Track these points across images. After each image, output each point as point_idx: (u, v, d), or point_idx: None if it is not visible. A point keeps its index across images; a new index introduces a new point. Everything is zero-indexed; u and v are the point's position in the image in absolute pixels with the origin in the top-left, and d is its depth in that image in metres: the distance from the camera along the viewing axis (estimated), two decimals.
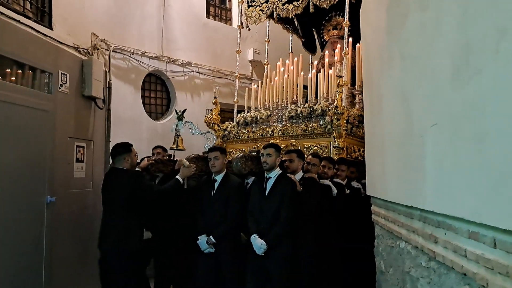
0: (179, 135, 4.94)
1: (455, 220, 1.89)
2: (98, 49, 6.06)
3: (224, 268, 4.03)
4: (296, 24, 7.47)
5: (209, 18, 8.30)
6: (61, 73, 5.07)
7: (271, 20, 6.93)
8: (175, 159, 4.73)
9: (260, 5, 6.63)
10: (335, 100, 4.98)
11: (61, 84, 5.04)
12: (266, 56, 7.22)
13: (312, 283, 3.91)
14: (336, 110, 4.85)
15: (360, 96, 5.72)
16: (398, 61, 2.77)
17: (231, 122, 6.41)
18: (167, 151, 5.27)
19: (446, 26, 1.90)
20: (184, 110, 4.99)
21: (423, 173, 2.27)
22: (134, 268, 4.04)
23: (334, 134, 4.94)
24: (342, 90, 5.04)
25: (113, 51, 6.46)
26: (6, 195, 4.10)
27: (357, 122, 5.41)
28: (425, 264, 2.40)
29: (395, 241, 3.16)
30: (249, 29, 7.05)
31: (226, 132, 6.27)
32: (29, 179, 4.43)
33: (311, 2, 5.93)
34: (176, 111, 5.09)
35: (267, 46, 7.25)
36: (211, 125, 6.19)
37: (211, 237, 4.02)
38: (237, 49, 6.70)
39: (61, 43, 5.16)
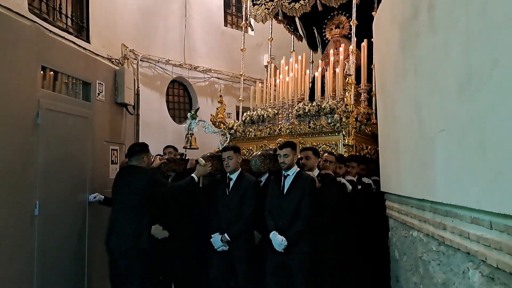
0: (193, 134, 4.94)
1: (460, 209, 2.31)
2: (127, 59, 6.54)
3: (238, 267, 4.02)
4: (297, 23, 7.46)
5: (226, 26, 8.78)
6: (98, 83, 5.55)
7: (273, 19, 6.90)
8: (187, 158, 4.79)
9: (266, 3, 6.56)
10: (345, 98, 5.01)
11: (98, 93, 5.51)
12: (269, 54, 7.27)
13: (334, 278, 4.02)
14: (346, 108, 4.87)
15: (365, 94, 5.91)
16: (412, 75, 3.15)
17: (236, 121, 6.42)
18: (178, 151, 5.36)
19: (452, 51, 2.31)
20: (197, 109, 5.04)
21: (434, 170, 2.67)
22: (145, 267, 4.03)
23: (343, 132, 4.95)
24: (351, 88, 5.07)
25: (140, 60, 6.96)
26: (54, 193, 4.52)
27: (365, 120, 5.48)
28: (435, 249, 2.80)
29: (408, 231, 3.55)
30: (252, 30, 7.02)
31: (232, 130, 6.18)
32: (73, 179, 4.88)
33: (318, 1, 5.95)
34: (190, 110, 5.21)
35: (270, 45, 7.30)
36: (217, 123, 6.12)
37: (225, 234, 4.00)
38: (242, 47, 6.72)
39: (97, 55, 5.63)
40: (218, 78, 8.28)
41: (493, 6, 1.85)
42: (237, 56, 8.40)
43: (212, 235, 4.10)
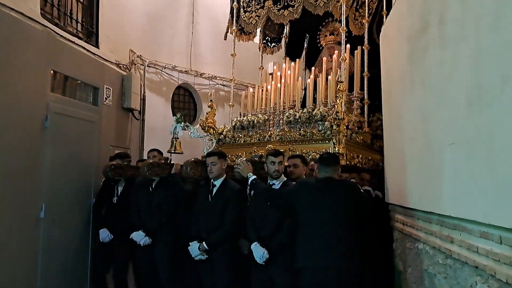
0: (177, 138, 4.89)
1: (468, 222, 2.32)
2: (135, 64, 6.60)
3: (218, 277, 3.89)
4: (285, 31, 7.43)
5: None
6: (106, 88, 5.61)
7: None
8: (171, 162, 4.72)
9: (256, 10, 6.52)
10: (335, 106, 4.89)
11: (105, 98, 5.57)
12: (261, 60, 7.27)
13: None
14: (337, 116, 4.75)
15: (358, 102, 5.86)
16: (419, 87, 3.17)
17: (226, 126, 6.30)
18: (163, 154, 5.28)
19: (462, 66, 2.34)
20: (184, 113, 4.96)
21: (441, 183, 2.68)
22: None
23: (334, 140, 4.82)
24: (342, 95, 4.94)
25: (147, 66, 7.03)
26: (60, 196, 4.57)
27: (356, 128, 5.39)
28: (442, 262, 2.80)
29: (413, 243, 3.54)
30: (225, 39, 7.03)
31: (222, 136, 6.05)
32: (78, 182, 4.93)
33: (305, 8, 5.85)
34: (176, 114, 5.09)
35: (261, 50, 7.30)
36: (206, 128, 5.93)
37: (203, 243, 3.87)
38: (232, 53, 6.73)
39: (105, 60, 5.69)
40: (223, 85, 8.32)
41: (505, 22, 1.88)
42: (242, 63, 8.41)
43: (190, 243, 3.97)
